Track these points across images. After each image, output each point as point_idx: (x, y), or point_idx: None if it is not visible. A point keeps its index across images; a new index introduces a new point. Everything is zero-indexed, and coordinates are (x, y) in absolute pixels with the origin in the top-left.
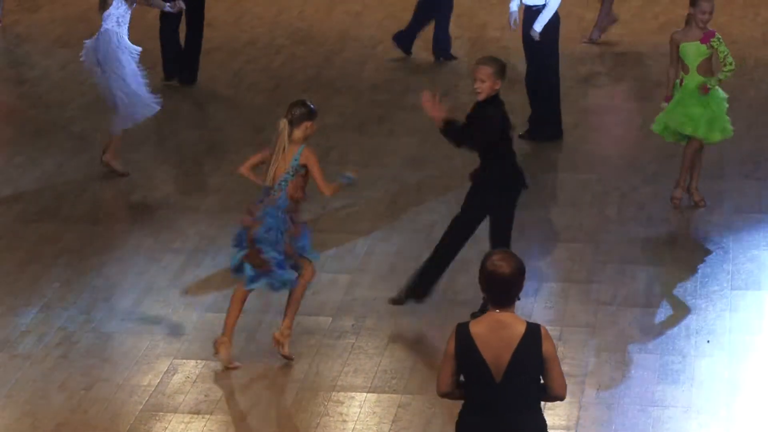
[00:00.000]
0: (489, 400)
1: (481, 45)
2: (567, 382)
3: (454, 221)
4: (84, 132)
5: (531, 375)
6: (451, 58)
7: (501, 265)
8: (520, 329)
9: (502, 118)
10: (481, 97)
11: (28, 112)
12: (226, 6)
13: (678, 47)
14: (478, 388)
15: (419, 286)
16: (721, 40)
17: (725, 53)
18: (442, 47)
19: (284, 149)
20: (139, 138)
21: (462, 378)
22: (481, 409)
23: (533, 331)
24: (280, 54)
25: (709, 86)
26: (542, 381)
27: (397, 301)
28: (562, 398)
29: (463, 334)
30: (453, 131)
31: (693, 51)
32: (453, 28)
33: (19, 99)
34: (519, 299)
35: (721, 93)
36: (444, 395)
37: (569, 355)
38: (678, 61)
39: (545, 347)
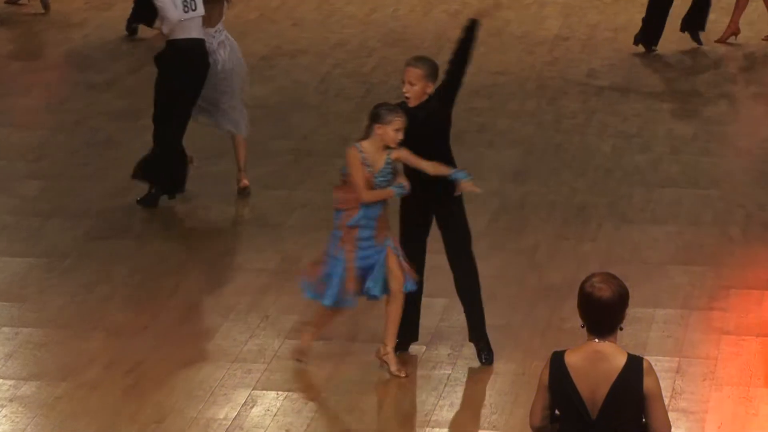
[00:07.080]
0: None
1: (593, 46)
2: (686, 418)
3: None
4: None
5: (630, 413)
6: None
7: (601, 287)
8: (620, 362)
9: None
10: (412, 103)
11: (97, 119)
12: (315, 4)
13: None
14: (571, 424)
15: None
16: None
17: None
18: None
19: None
20: (219, 149)
21: (557, 411)
22: None
23: (634, 365)
24: (371, 57)
25: None
26: (643, 419)
27: None
28: None
29: (557, 364)
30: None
31: None
32: (562, 29)
33: (88, 106)
34: (622, 329)
35: None
36: (537, 429)
37: (688, 390)
38: None
39: (647, 383)
